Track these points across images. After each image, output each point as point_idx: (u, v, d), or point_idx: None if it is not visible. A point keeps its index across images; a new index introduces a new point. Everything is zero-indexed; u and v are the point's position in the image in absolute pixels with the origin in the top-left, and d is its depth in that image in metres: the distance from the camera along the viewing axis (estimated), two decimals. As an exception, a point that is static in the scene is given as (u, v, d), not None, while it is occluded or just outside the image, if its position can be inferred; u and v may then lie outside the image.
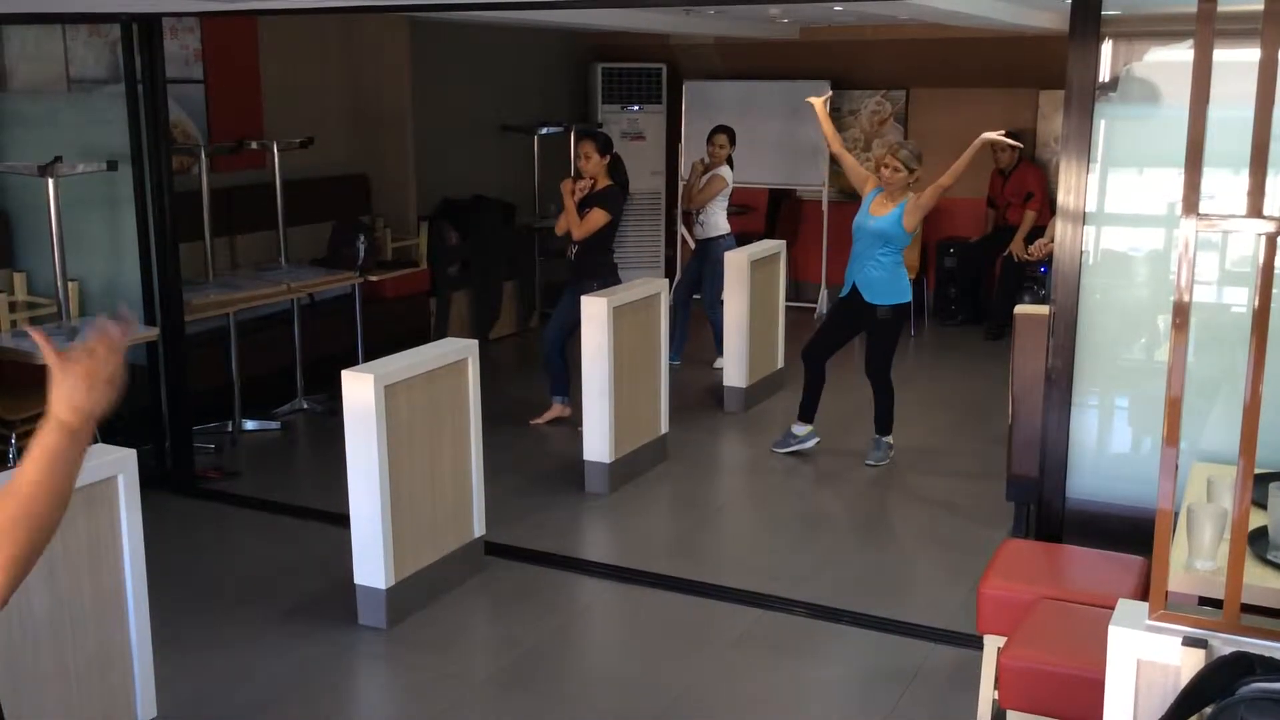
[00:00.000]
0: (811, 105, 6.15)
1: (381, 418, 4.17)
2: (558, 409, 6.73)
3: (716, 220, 7.76)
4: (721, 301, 7.33)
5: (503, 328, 8.81)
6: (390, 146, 8.42)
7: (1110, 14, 3.72)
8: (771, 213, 10.10)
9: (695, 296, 8.00)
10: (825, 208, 9.65)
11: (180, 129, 6.91)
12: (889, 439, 6.12)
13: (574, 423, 6.49)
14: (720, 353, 7.49)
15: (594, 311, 5.61)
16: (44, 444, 1.65)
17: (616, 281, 6.21)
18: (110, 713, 3.39)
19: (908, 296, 5.89)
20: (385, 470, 4.20)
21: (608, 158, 6.36)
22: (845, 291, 5.94)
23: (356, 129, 8.35)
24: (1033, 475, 4.20)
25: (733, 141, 7.74)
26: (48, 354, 1.67)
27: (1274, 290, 2.16)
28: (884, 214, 5.78)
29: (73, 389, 1.66)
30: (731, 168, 7.75)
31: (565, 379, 6.65)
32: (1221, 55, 2.12)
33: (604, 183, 6.34)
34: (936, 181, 5.74)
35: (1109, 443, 4.09)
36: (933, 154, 9.67)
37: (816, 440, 6.23)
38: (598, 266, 6.38)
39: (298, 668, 4.05)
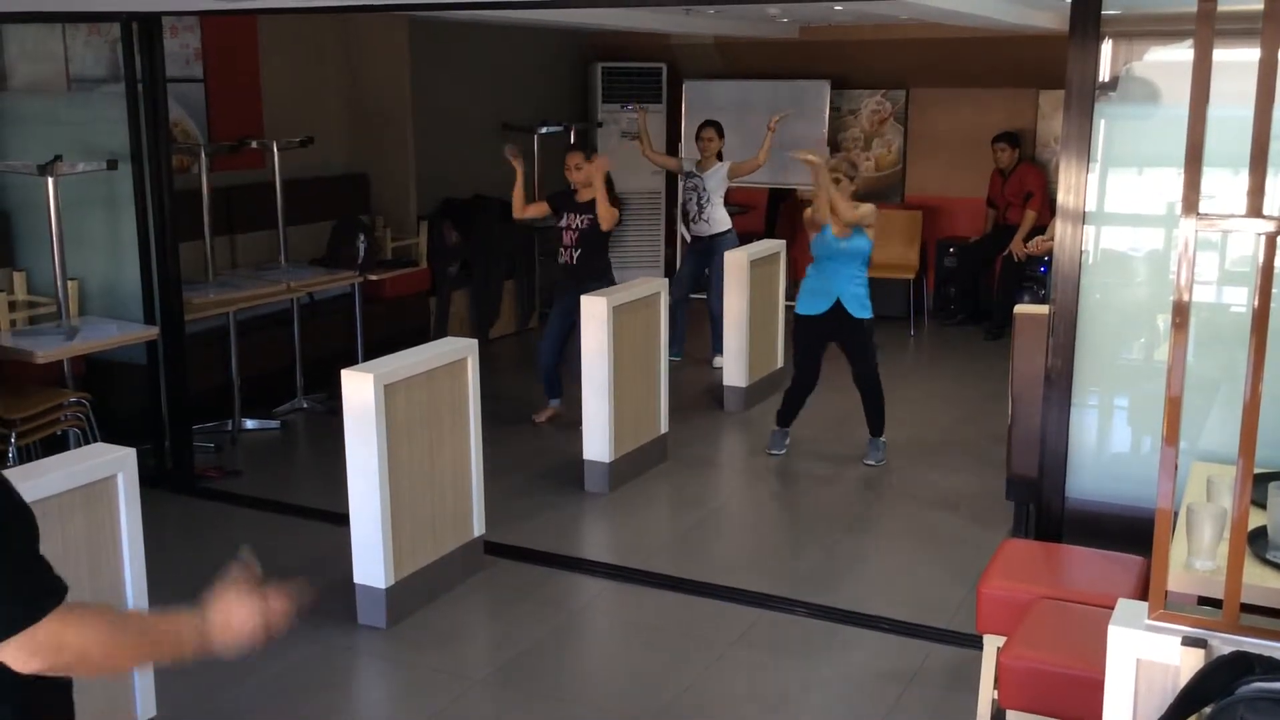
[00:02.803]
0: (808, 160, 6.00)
1: (381, 417, 4.17)
2: (553, 409, 6.79)
3: (721, 215, 7.80)
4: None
5: (502, 327, 8.81)
6: (390, 146, 8.42)
7: (1110, 14, 3.72)
8: (771, 212, 10.11)
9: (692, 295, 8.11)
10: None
11: (180, 128, 6.91)
12: (884, 439, 6.15)
13: (574, 420, 6.54)
14: (720, 350, 7.54)
15: (594, 311, 5.61)
16: (181, 639, 1.81)
17: (612, 283, 6.28)
18: (110, 712, 3.39)
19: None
20: (385, 469, 4.20)
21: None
22: (823, 308, 5.91)
23: (356, 128, 8.35)
24: (1032, 475, 4.20)
25: (720, 134, 7.75)
26: (251, 587, 1.87)
27: (1274, 290, 2.16)
28: (849, 233, 5.83)
29: (239, 631, 1.83)
30: (721, 160, 7.78)
31: (560, 380, 6.74)
32: (1221, 55, 2.12)
33: (601, 189, 6.35)
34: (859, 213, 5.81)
35: (1109, 442, 4.09)
36: (933, 154, 9.74)
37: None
38: (603, 271, 6.46)
39: (297, 667, 4.05)
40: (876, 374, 6.02)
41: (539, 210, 6.57)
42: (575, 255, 6.41)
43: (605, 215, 6.35)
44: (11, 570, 1.67)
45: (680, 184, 7.84)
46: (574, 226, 6.41)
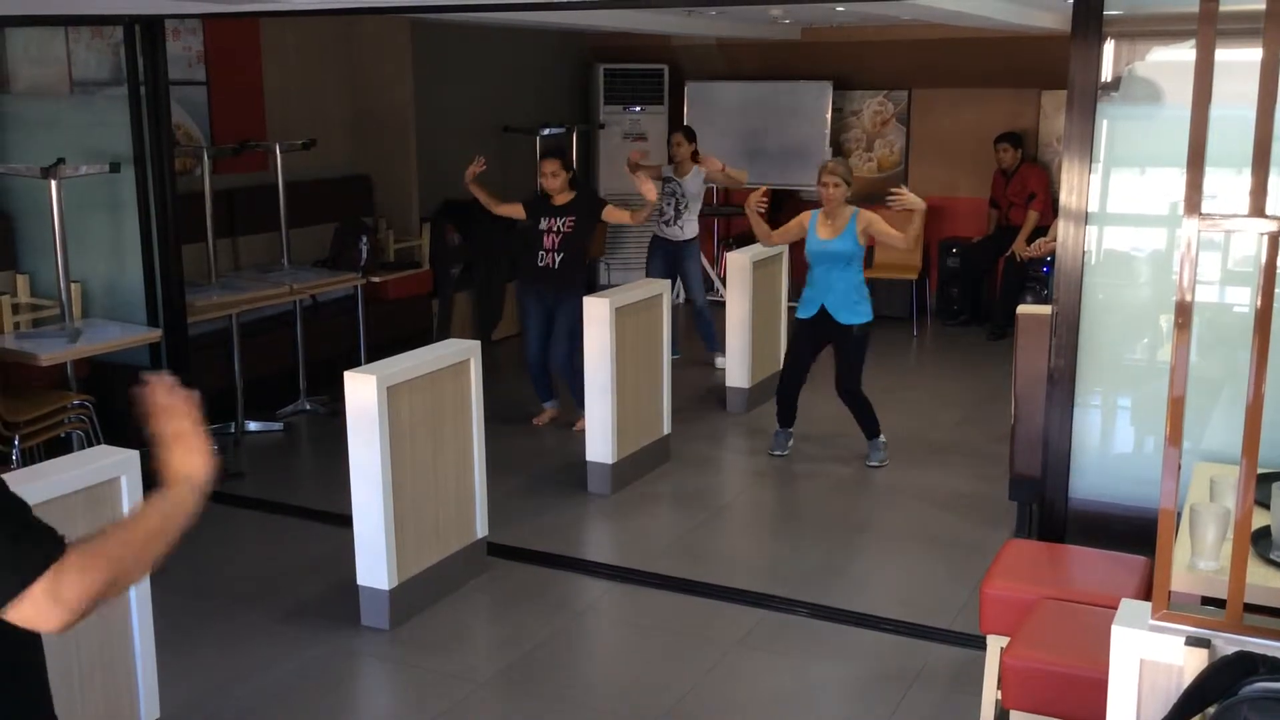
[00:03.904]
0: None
1: (384, 419, 4.17)
2: (551, 411, 6.81)
3: (694, 224, 7.86)
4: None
5: (505, 329, 8.80)
6: (392, 148, 8.42)
7: (1112, 14, 3.73)
8: (773, 213, 10.05)
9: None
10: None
11: (183, 131, 6.92)
12: (883, 439, 6.14)
13: (573, 421, 6.56)
14: (718, 347, 7.62)
15: (596, 312, 5.61)
16: (178, 501, 1.83)
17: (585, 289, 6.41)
18: (113, 713, 3.40)
19: (871, 313, 5.97)
20: (388, 471, 4.21)
21: (571, 173, 6.51)
22: (810, 313, 5.95)
23: (358, 130, 8.36)
24: (1035, 475, 4.20)
25: (690, 139, 7.75)
26: (193, 423, 1.89)
27: (1276, 290, 2.15)
28: (837, 235, 5.85)
29: (205, 457, 1.87)
30: (697, 164, 7.79)
31: (551, 382, 6.78)
32: (1223, 55, 2.12)
33: (569, 194, 6.43)
34: (897, 232, 5.74)
35: (1112, 443, 4.09)
36: (935, 154, 9.74)
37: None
38: (581, 277, 6.56)
39: (300, 669, 4.05)
40: (858, 387, 6.00)
41: (513, 211, 6.57)
42: (557, 259, 6.43)
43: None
44: (9, 533, 1.67)
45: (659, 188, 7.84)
46: (555, 230, 6.42)
